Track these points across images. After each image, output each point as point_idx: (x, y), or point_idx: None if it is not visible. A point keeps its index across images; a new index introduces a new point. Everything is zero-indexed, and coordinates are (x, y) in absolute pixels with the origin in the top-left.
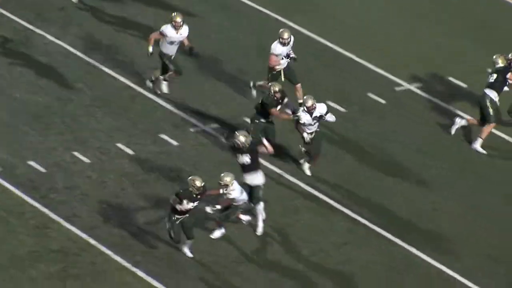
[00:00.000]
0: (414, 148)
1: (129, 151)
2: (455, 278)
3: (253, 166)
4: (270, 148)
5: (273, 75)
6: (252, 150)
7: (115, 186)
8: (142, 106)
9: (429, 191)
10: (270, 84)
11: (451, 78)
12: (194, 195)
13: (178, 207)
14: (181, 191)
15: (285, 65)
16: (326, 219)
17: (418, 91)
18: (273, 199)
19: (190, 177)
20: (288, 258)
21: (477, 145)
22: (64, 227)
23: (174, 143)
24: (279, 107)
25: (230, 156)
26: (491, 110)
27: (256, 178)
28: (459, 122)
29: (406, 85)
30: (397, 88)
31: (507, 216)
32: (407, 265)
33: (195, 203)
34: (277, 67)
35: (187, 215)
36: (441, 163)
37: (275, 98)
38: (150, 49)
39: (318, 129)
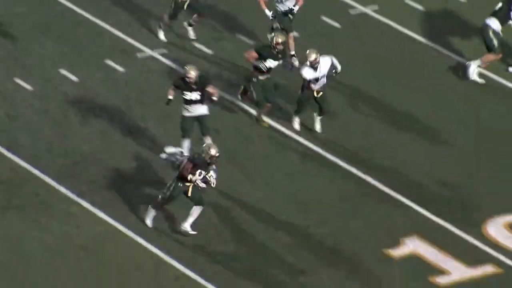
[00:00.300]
0: (370, 73)
1: (74, 77)
2: (408, 206)
3: (201, 101)
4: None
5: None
6: (203, 86)
7: (59, 114)
8: (87, 31)
9: (383, 122)
10: (273, 34)
11: (407, 1)
12: (207, 163)
13: (189, 176)
14: (195, 156)
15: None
16: (279, 148)
17: (374, 14)
18: (225, 127)
19: (205, 145)
20: (241, 187)
21: (474, 74)
22: (7, 157)
23: (121, 69)
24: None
25: None
26: (495, 41)
27: (202, 108)
28: (473, 69)
29: (361, 8)
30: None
31: (463, 141)
32: (361, 194)
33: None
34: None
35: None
36: (396, 85)
37: (276, 50)
38: None
39: (324, 89)
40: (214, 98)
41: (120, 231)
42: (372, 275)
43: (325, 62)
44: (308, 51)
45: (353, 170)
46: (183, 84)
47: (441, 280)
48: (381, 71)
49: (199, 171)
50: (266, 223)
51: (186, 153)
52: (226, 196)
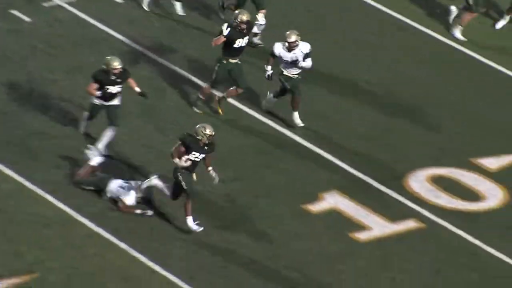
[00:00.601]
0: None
1: None
2: (328, 160)
3: (119, 94)
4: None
5: None
6: (126, 78)
7: None
8: None
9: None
10: (237, 11)
11: None
12: (202, 145)
13: (182, 160)
14: (186, 136)
15: None
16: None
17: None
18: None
19: (198, 125)
20: (152, 139)
21: (457, 32)
22: None
23: (26, 19)
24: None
25: (87, 33)
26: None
27: (116, 99)
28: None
29: None
30: None
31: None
32: (279, 148)
33: (201, 156)
34: None
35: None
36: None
37: (240, 29)
38: None
39: (298, 76)
40: (138, 90)
41: (28, 189)
42: (290, 231)
43: (304, 47)
44: (288, 32)
45: (271, 123)
46: (106, 78)
47: (362, 235)
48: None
49: (185, 157)
50: None
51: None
52: (142, 151)
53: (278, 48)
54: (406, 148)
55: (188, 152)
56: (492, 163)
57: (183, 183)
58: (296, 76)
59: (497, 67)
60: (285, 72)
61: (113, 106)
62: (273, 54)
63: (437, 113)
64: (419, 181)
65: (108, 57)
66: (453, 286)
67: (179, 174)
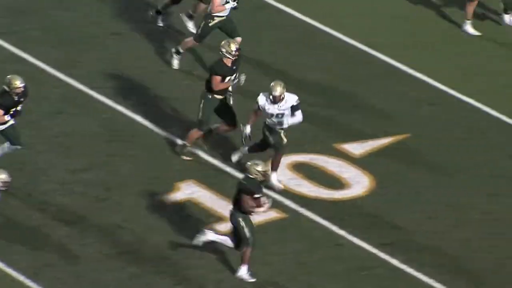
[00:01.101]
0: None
1: None
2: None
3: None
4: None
5: (207, 26)
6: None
7: None
8: None
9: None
10: (226, 41)
11: None
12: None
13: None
14: (244, 183)
15: (227, 13)
16: (37, 85)
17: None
18: None
19: (249, 164)
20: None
21: (468, 27)
22: None
23: None
24: (230, 77)
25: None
26: None
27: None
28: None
29: None
30: None
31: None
32: (132, 136)
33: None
34: (220, 13)
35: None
36: None
37: (227, 66)
38: None
39: (282, 129)
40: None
41: None
42: (145, 223)
43: (291, 100)
44: (273, 83)
45: (122, 109)
46: (11, 100)
47: (221, 227)
48: None
49: (260, 197)
50: (30, 165)
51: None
52: None
53: (262, 100)
54: None
55: (255, 197)
56: (357, 148)
57: (246, 231)
58: (282, 131)
59: (365, 49)
60: (269, 124)
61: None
62: (256, 108)
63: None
64: (280, 169)
65: (9, 76)
66: (317, 278)
67: (240, 219)
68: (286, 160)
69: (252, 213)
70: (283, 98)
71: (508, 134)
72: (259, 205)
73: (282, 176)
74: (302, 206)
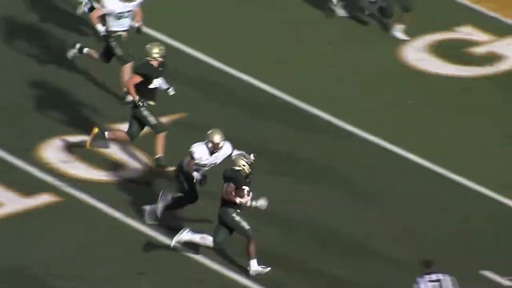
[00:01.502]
0: None
1: None
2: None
3: None
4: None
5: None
6: None
7: None
8: None
9: None
10: (152, 44)
11: None
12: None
13: (238, 199)
14: (229, 173)
15: (127, 27)
16: None
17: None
18: None
19: (235, 155)
20: None
21: (398, 33)
22: None
23: None
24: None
25: None
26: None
27: None
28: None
29: None
30: None
31: None
32: None
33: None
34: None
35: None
36: None
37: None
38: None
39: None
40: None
41: None
42: None
43: (227, 149)
44: (211, 131)
45: None
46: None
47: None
48: None
49: (245, 188)
50: None
51: None
52: None
53: (203, 153)
54: (38, 116)
55: (240, 188)
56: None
57: (243, 224)
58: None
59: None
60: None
61: None
62: (193, 157)
63: None
64: (54, 151)
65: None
66: (96, 263)
67: (234, 215)
68: (62, 141)
69: (234, 203)
70: (221, 147)
71: None
72: (241, 196)
73: (56, 158)
74: (78, 189)
